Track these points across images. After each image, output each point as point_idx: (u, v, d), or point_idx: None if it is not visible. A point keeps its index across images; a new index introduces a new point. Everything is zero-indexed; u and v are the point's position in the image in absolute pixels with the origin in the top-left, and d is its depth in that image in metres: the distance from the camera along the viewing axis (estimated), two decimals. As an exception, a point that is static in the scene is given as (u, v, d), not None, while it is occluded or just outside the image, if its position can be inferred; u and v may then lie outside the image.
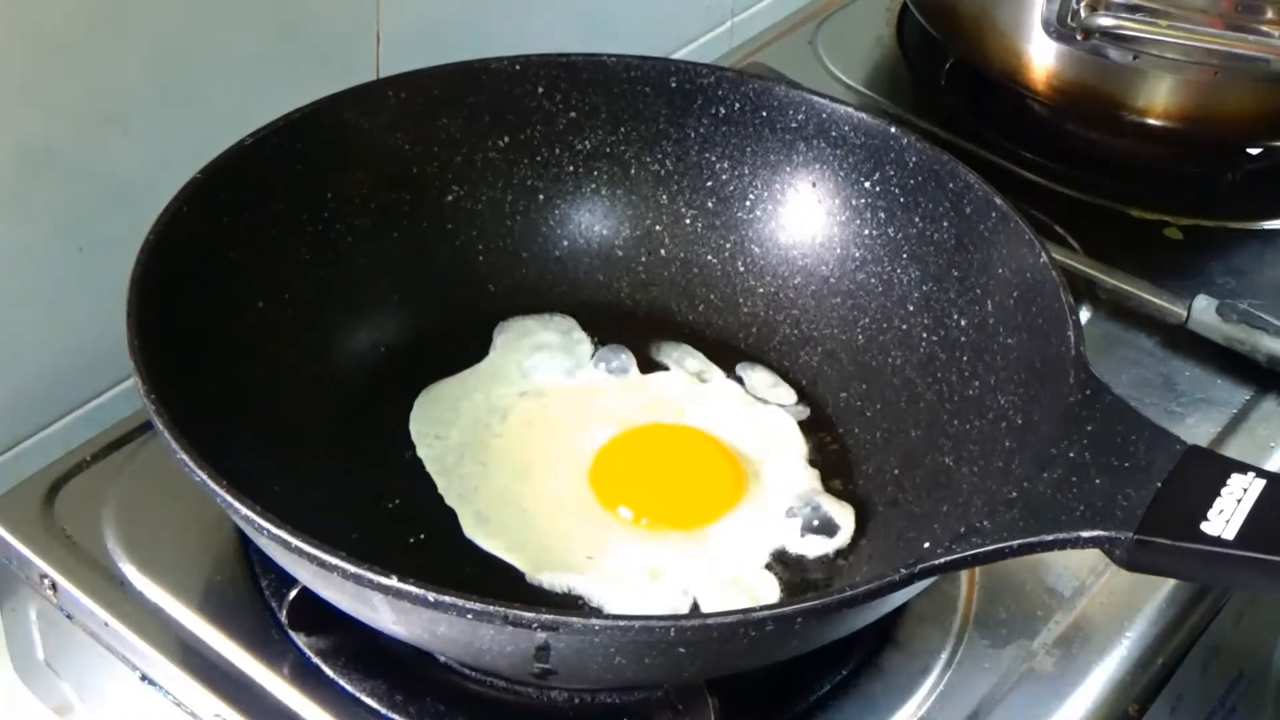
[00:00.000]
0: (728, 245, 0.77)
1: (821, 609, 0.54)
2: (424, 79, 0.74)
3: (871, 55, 1.03)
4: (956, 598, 0.67)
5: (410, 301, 0.74)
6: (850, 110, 0.74)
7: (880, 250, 0.74)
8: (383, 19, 0.82)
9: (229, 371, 0.65)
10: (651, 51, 0.78)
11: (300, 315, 0.70)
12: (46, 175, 0.71)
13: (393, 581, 0.51)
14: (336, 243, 0.72)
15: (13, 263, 0.71)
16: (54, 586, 0.65)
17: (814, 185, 0.75)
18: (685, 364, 0.75)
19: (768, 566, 0.66)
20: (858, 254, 0.74)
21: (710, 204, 0.77)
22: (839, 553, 0.67)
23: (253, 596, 0.64)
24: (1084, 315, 0.82)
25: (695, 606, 0.64)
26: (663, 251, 0.78)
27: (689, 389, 0.74)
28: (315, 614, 0.61)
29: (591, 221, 0.77)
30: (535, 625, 0.51)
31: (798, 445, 0.72)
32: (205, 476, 0.55)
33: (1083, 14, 0.84)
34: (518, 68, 0.75)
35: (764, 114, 0.76)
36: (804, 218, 0.76)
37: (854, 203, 0.74)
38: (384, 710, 0.61)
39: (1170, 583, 0.68)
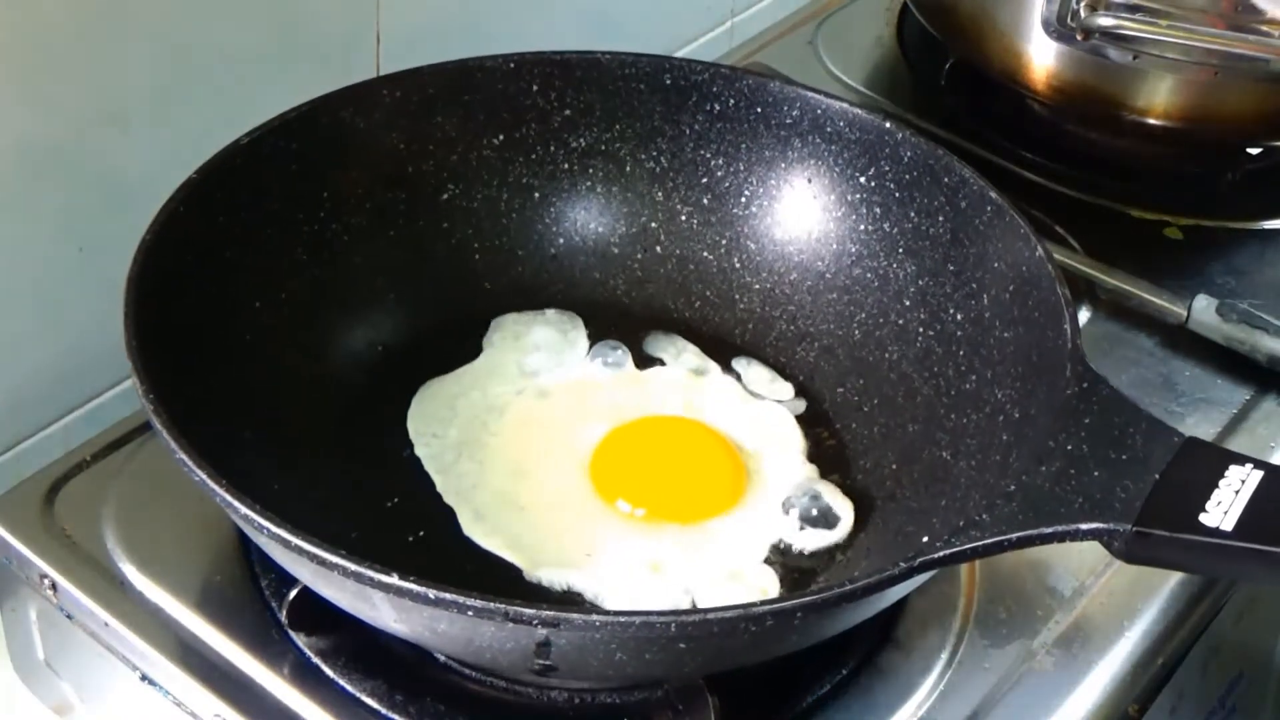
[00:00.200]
0: (723, 241, 0.77)
1: (821, 603, 0.54)
2: (419, 77, 0.74)
3: (871, 55, 1.03)
4: (957, 598, 0.67)
5: (407, 300, 0.74)
6: (845, 105, 0.74)
7: (876, 245, 0.74)
8: (382, 19, 0.82)
9: (227, 371, 0.65)
10: (651, 52, 0.78)
11: (297, 315, 0.70)
12: (46, 175, 0.71)
13: (394, 579, 0.51)
14: (333, 242, 0.72)
15: (13, 263, 0.71)
16: (54, 586, 0.65)
17: (809, 181, 0.75)
18: (682, 359, 0.75)
19: (767, 561, 0.66)
20: (853, 249, 0.74)
21: (706, 200, 0.77)
22: (838, 547, 0.67)
23: (253, 596, 0.64)
24: (1084, 315, 0.82)
25: (694, 602, 0.64)
26: (658, 248, 0.78)
27: (686, 384, 0.74)
28: (315, 614, 0.61)
29: (587, 219, 0.77)
30: (536, 622, 0.51)
31: (795, 440, 0.71)
32: (205, 476, 0.55)
33: (1083, 14, 0.84)
34: (512, 66, 0.75)
35: (759, 110, 0.75)
36: (799, 213, 0.76)
37: (849, 198, 0.74)
38: (384, 710, 0.61)
39: (1170, 582, 0.68)
